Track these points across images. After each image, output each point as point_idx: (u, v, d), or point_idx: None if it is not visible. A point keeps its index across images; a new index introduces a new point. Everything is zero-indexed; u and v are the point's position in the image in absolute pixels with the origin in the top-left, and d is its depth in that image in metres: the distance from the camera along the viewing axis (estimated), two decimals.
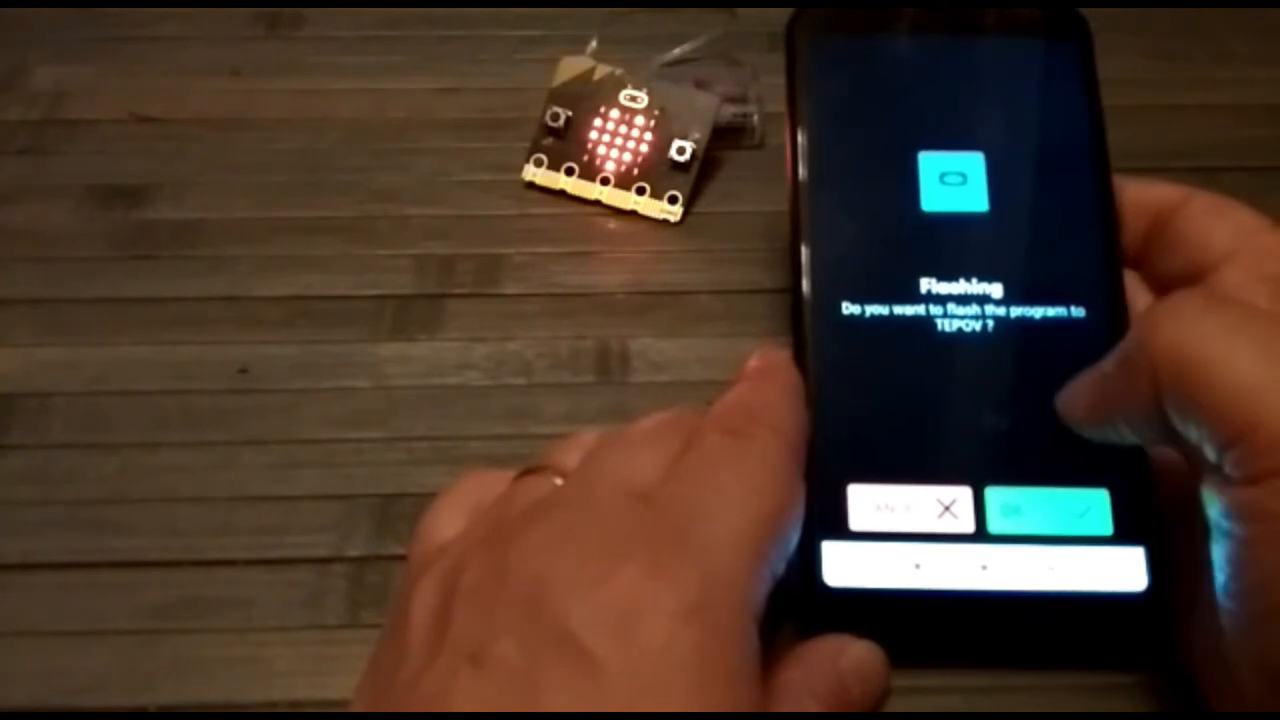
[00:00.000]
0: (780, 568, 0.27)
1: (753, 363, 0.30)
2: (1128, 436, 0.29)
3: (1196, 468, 0.27)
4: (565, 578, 0.25)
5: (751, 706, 0.24)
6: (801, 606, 0.29)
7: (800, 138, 0.34)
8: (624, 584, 0.24)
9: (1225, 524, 0.26)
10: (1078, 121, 0.34)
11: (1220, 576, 0.26)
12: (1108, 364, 0.29)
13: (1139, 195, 0.33)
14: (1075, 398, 0.30)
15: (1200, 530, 0.28)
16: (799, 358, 0.32)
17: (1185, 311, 0.27)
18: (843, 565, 0.30)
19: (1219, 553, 0.26)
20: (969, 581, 0.30)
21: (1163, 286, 0.33)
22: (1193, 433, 0.26)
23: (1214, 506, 0.26)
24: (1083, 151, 0.34)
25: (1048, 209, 0.34)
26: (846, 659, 0.28)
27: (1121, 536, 0.30)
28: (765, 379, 0.30)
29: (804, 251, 0.33)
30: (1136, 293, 0.33)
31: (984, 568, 0.30)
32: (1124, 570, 0.29)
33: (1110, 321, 0.32)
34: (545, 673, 0.23)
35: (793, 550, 0.28)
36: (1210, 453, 0.26)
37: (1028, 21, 0.36)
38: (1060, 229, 0.33)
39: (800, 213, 0.34)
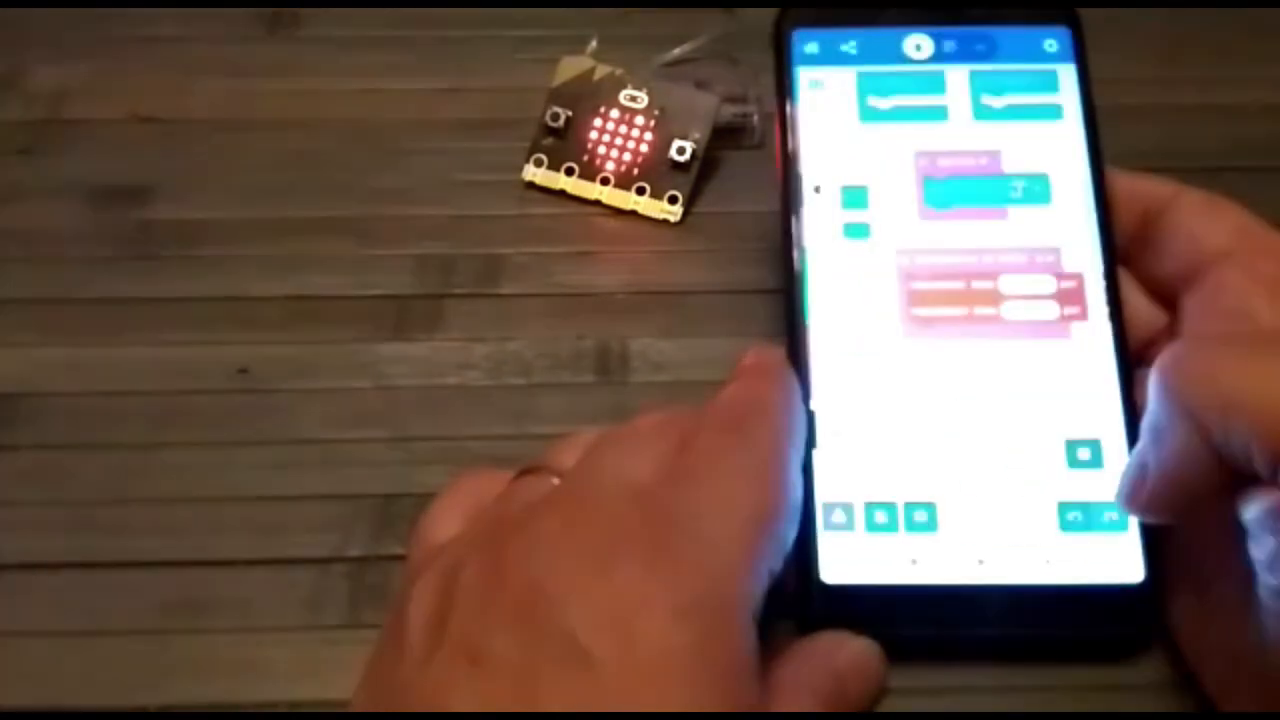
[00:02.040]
0: (778, 565, 0.27)
1: (748, 360, 0.30)
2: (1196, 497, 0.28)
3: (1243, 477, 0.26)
4: (562, 576, 0.25)
5: (749, 704, 0.24)
6: (799, 603, 0.29)
7: (791, 136, 0.34)
8: (621, 582, 0.24)
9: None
10: (1070, 113, 0.34)
11: (1270, 579, 0.26)
12: (1148, 440, 0.28)
13: (1129, 188, 0.33)
14: (1133, 490, 0.29)
15: (1208, 529, 0.28)
16: (794, 356, 0.32)
17: (1208, 356, 0.27)
18: (840, 562, 0.30)
19: (1266, 553, 0.26)
20: (966, 576, 0.30)
21: (1154, 284, 0.33)
22: (1244, 457, 0.26)
23: (1261, 510, 0.26)
24: (1076, 144, 0.34)
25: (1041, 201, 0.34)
26: (844, 656, 0.28)
27: (1117, 528, 0.30)
28: (761, 377, 0.30)
29: (796, 251, 0.33)
30: (1128, 290, 0.33)
31: (980, 562, 0.30)
32: (1121, 561, 0.29)
33: (1106, 316, 0.32)
34: (543, 671, 0.24)
35: (790, 547, 0.28)
36: (1266, 470, 0.25)
37: (1016, 14, 0.35)
38: (1054, 221, 0.33)
39: (792, 212, 0.34)
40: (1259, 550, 0.26)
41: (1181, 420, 0.26)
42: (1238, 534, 0.27)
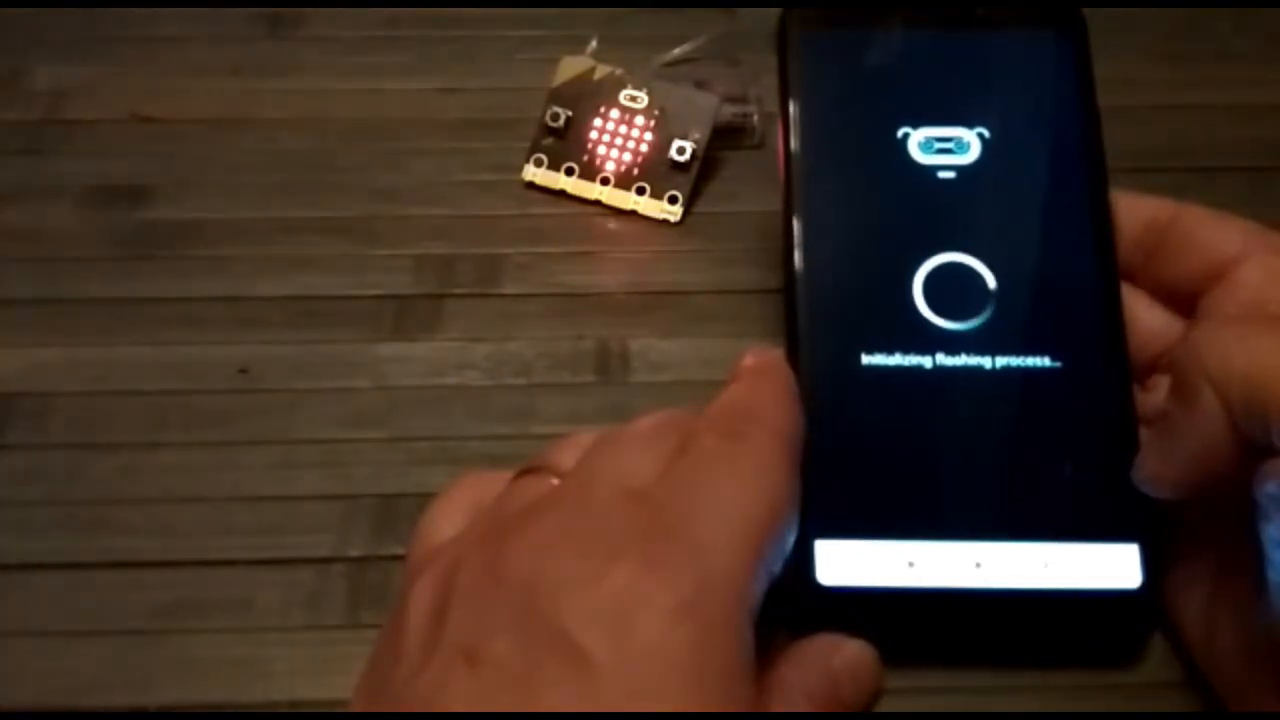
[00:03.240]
0: (777, 567, 0.27)
1: (746, 362, 0.30)
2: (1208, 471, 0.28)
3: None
4: (560, 576, 0.25)
5: (745, 705, 0.24)
6: (796, 605, 0.29)
7: (793, 137, 0.34)
8: (618, 582, 0.24)
9: None
10: (1073, 117, 0.34)
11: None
12: (1171, 415, 0.28)
13: (1128, 206, 0.33)
14: (1152, 464, 0.29)
15: (1220, 517, 0.28)
16: (793, 360, 0.32)
17: (1233, 331, 0.27)
18: (837, 564, 0.30)
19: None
20: (963, 579, 0.30)
21: (1166, 291, 0.33)
22: (1262, 431, 0.26)
23: (1277, 486, 0.26)
24: (1079, 147, 0.34)
25: (1044, 206, 0.34)
26: (840, 658, 0.28)
27: (1115, 533, 0.30)
28: (760, 378, 0.30)
29: (798, 253, 0.33)
30: (1137, 302, 0.33)
31: (978, 565, 0.30)
32: (1118, 567, 0.29)
33: (1107, 327, 0.32)
34: (540, 671, 0.24)
35: (790, 549, 0.28)
36: None
37: (1021, 16, 0.35)
38: (1057, 227, 0.33)
39: (794, 213, 0.34)
40: (1272, 529, 0.26)
41: (1204, 394, 0.27)
42: (1250, 519, 0.27)
